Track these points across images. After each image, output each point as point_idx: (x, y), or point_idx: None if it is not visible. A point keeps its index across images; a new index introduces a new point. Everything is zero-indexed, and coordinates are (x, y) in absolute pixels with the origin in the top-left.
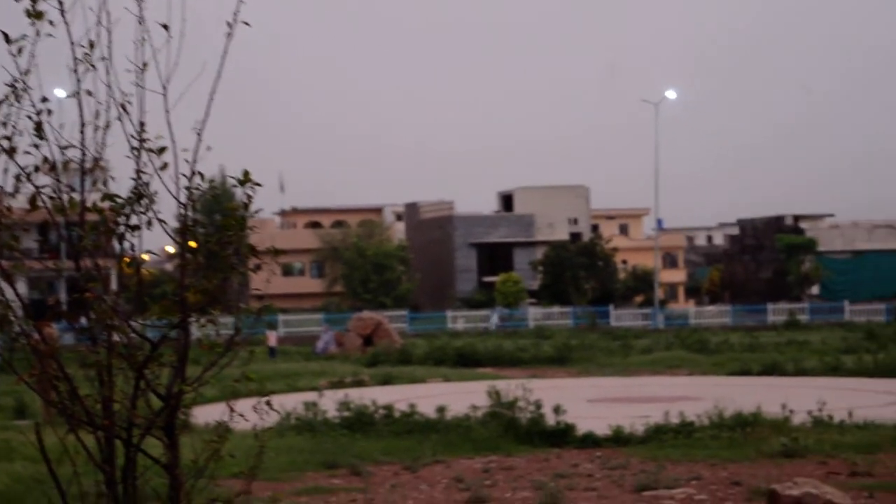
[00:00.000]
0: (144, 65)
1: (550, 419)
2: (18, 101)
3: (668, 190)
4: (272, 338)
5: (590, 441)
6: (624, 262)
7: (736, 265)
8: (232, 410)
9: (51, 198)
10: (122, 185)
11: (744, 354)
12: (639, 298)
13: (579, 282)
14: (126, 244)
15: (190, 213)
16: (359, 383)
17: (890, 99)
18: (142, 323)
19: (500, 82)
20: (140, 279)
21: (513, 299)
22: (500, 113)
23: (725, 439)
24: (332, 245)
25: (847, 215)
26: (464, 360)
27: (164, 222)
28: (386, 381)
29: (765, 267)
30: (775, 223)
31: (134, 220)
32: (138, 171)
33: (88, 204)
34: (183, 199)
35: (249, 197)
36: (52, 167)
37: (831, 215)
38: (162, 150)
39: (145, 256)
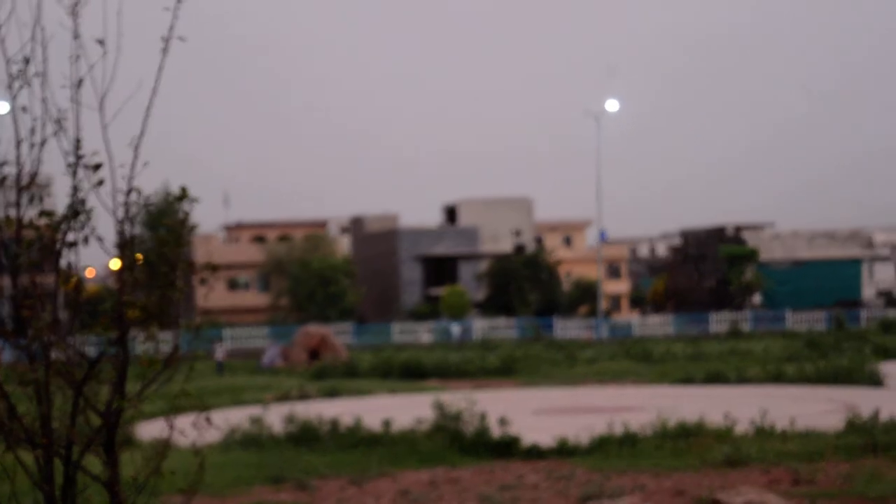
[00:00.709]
0: (80, 81)
1: (496, 431)
2: None
3: (611, 201)
4: (220, 352)
5: (535, 453)
6: (568, 273)
7: (679, 275)
8: (171, 426)
9: None
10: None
11: (687, 364)
12: (583, 309)
13: (524, 293)
14: (63, 261)
15: (128, 229)
16: (304, 397)
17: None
18: (81, 339)
19: (445, 94)
20: (78, 296)
21: (458, 311)
22: (444, 125)
23: (669, 449)
24: (277, 259)
25: (787, 225)
26: (409, 372)
27: (101, 239)
28: (331, 394)
29: (707, 277)
30: (717, 233)
31: (71, 236)
32: (74, 188)
33: (25, 221)
34: (120, 214)
35: (186, 213)
36: None
37: (772, 224)
38: (97, 166)
39: (90, 272)
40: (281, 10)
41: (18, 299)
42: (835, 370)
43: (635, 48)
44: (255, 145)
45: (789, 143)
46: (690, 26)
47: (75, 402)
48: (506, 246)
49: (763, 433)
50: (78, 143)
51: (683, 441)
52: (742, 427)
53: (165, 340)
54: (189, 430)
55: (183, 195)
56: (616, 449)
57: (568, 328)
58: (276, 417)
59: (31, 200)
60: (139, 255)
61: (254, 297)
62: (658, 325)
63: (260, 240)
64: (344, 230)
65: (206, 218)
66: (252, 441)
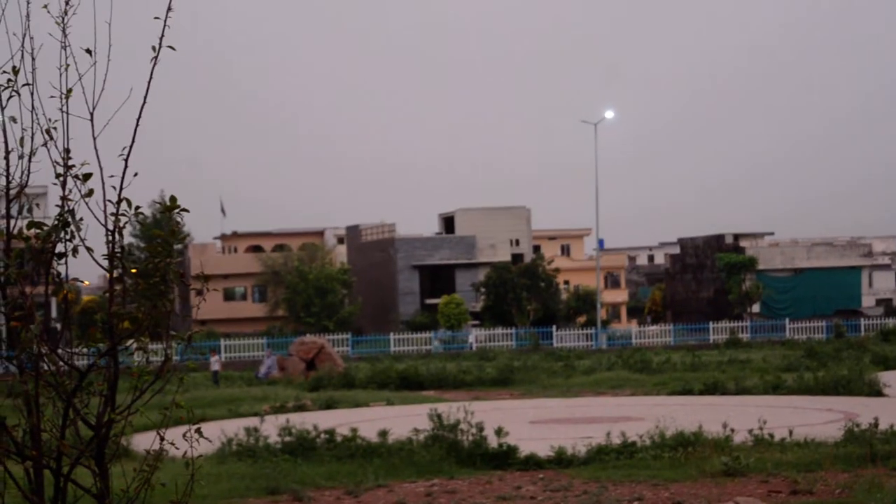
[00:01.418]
0: (69, 90)
1: (493, 441)
2: None
3: (609, 210)
4: (216, 363)
5: (532, 463)
6: (566, 282)
7: (677, 284)
8: (162, 438)
9: None
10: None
11: (686, 374)
12: (581, 319)
13: (522, 303)
14: (53, 271)
15: (118, 240)
16: (301, 408)
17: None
18: (70, 351)
19: (442, 104)
20: (67, 307)
21: (455, 321)
22: (441, 134)
23: (667, 459)
24: (273, 269)
25: (786, 233)
26: (407, 383)
27: (91, 249)
28: (328, 405)
29: (706, 286)
30: (716, 242)
31: (60, 247)
32: (63, 198)
33: (15, 231)
34: (111, 225)
35: (177, 223)
36: None
37: (771, 233)
38: (87, 176)
39: (86, 283)
40: (277, 18)
41: (8, 311)
42: (834, 380)
43: (638, 59)
44: (251, 155)
45: (788, 158)
46: (696, 40)
47: (65, 414)
48: (504, 255)
49: (761, 443)
50: (67, 153)
51: (682, 451)
52: (740, 437)
53: (155, 351)
54: (181, 441)
55: (173, 205)
56: (614, 459)
57: (566, 338)
58: (272, 428)
59: (20, 211)
60: (133, 270)
61: (250, 307)
62: (656, 334)
63: (256, 249)
64: (340, 240)
65: (203, 227)
66: (248, 452)
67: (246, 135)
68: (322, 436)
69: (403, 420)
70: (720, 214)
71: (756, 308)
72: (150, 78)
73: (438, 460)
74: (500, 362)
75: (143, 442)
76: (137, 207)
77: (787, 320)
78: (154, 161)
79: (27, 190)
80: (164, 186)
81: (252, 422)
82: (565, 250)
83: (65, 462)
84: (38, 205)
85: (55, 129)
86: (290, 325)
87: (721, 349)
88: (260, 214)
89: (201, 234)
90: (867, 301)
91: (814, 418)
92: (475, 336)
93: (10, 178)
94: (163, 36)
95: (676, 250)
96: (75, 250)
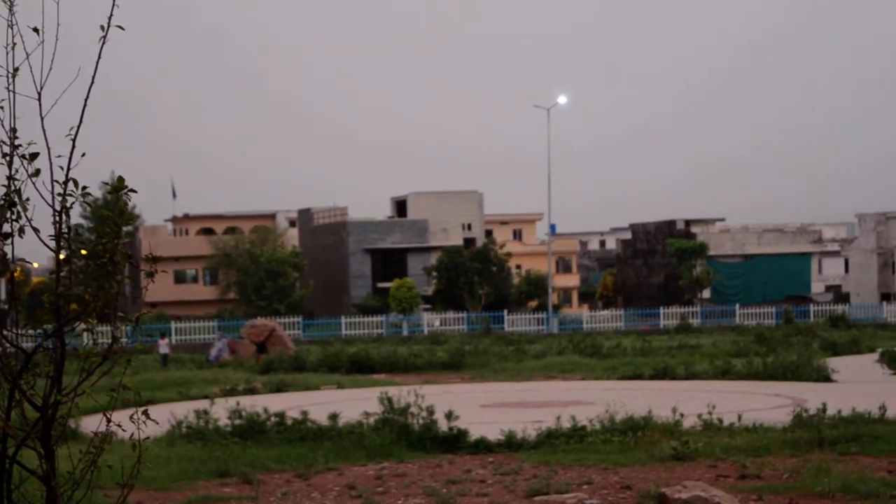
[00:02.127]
0: (16, 69)
1: (443, 425)
2: None
3: (561, 196)
4: (164, 346)
5: (482, 447)
6: (518, 267)
7: (629, 270)
8: (109, 421)
9: None
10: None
11: (636, 359)
12: (533, 303)
13: (473, 287)
14: None
15: (65, 221)
16: (251, 391)
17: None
18: (17, 332)
19: (395, 87)
20: (13, 287)
21: (407, 305)
22: (395, 118)
23: (617, 444)
24: (225, 252)
25: (737, 219)
26: (358, 366)
27: (37, 230)
28: (279, 388)
29: (657, 271)
30: (667, 227)
31: (6, 227)
32: (10, 178)
33: None
34: (58, 206)
35: (125, 204)
36: None
37: (722, 219)
38: (34, 156)
39: (36, 264)
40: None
41: None
42: (783, 365)
43: (590, 43)
44: (202, 137)
45: (742, 149)
46: (646, 22)
47: (11, 395)
48: (456, 239)
49: (711, 428)
50: (14, 133)
51: (631, 436)
52: (690, 422)
53: (102, 333)
54: (130, 424)
55: (120, 185)
56: (563, 443)
57: (517, 322)
58: (222, 411)
59: None
60: (84, 251)
61: (201, 290)
62: (607, 319)
63: (208, 232)
64: (292, 223)
65: (154, 210)
66: (197, 435)
67: (197, 117)
68: (272, 419)
69: (354, 403)
70: (673, 202)
71: (706, 294)
72: (99, 58)
73: (388, 444)
74: (452, 346)
75: (91, 424)
76: (84, 188)
77: (737, 306)
78: (105, 143)
79: None
80: (115, 169)
81: (202, 405)
82: (517, 235)
83: (10, 443)
84: None
85: (2, 108)
86: (242, 308)
87: (671, 334)
88: (212, 197)
89: (153, 217)
90: (817, 287)
91: (762, 403)
92: (428, 319)
93: None
94: (112, 15)
95: (628, 236)
96: (21, 230)
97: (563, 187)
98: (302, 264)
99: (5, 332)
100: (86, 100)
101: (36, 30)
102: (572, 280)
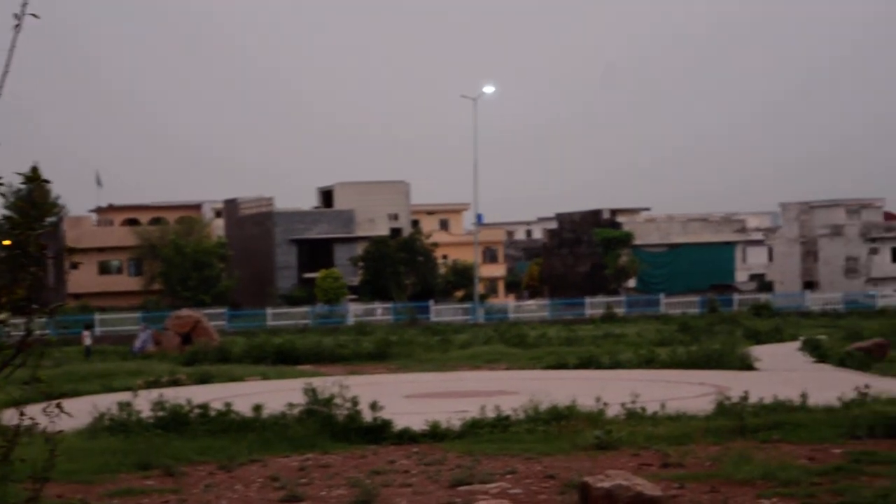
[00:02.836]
0: None
1: (368, 416)
2: None
3: (488, 185)
4: (87, 337)
5: (407, 437)
6: (444, 257)
7: (555, 259)
8: (22, 414)
9: None
10: None
11: (561, 348)
12: (459, 293)
13: (400, 277)
14: None
15: None
16: (175, 382)
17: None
18: None
19: (322, 76)
20: None
21: (333, 295)
22: (321, 107)
23: (541, 433)
24: (150, 242)
25: (663, 209)
26: (283, 357)
27: None
28: (203, 379)
29: (583, 260)
30: (593, 217)
31: None
32: None
33: None
34: None
35: (38, 194)
36: None
37: (647, 209)
38: None
39: None
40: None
41: None
42: (706, 354)
43: (520, 33)
44: (128, 127)
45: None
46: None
47: None
48: (382, 229)
49: (634, 417)
50: None
51: (555, 425)
52: (614, 411)
53: (17, 325)
54: (43, 416)
55: (34, 176)
56: (488, 433)
57: (443, 312)
58: (145, 403)
59: None
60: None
61: (126, 281)
62: (533, 309)
63: (133, 222)
64: (218, 213)
65: (78, 200)
66: (120, 427)
67: (120, 107)
68: (195, 410)
69: (279, 394)
70: (600, 192)
71: (632, 283)
72: (12, 47)
73: (313, 434)
74: (378, 336)
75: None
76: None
77: (661, 295)
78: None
79: None
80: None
81: (125, 396)
82: (444, 225)
83: None
84: None
85: None
86: (167, 299)
87: (597, 323)
88: (137, 188)
89: (77, 208)
90: (741, 276)
91: (686, 392)
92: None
93: None
94: (25, 3)
95: (554, 226)
96: None
97: (491, 177)
98: (228, 255)
99: None
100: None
101: None
102: (499, 270)
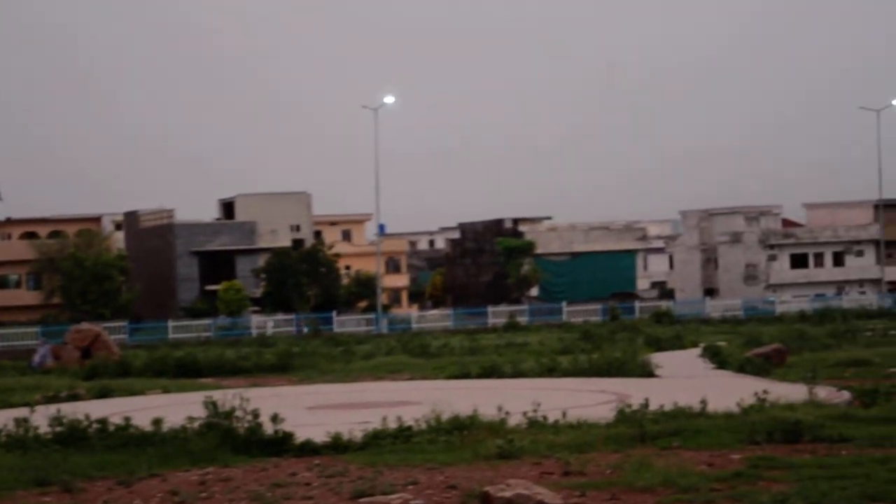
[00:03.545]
0: None
1: (269, 428)
2: None
3: (389, 195)
4: None
5: (308, 449)
6: (347, 267)
7: (457, 269)
8: None
9: None
10: None
11: (464, 357)
12: (362, 304)
13: (302, 288)
14: None
15: None
16: (74, 397)
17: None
18: None
19: (222, 88)
20: None
21: (235, 307)
22: (223, 117)
23: (443, 443)
24: (49, 256)
25: (564, 218)
26: (184, 370)
27: None
28: (103, 394)
29: (485, 270)
30: (495, 226)
31: None
32: None
33: None
34: None
35: None
36: None
37: (549, 218)
38: None
39: None
40: None
41: None
42: (608, 362)
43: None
44: (27, 138)
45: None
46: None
47: None
48: (284, 241)
49: (536, 426)
50: None
51: (457, 435)
52: (515, 420)
53: None
54: None
55: None
56: (390, 444)
57: (346, 323)
58: (43, 418)
59: None
60: None
61: (25, 295)
62: (436, 318)
63: (31, 236)
64: (118, 226)
65: None
66: (17, 443)
67: (19, 117)
68: (94, 425)
69: (180, 408)
70: (502, 201)
71: (534, 292)
72: None
73: (213, 448)
74: (280, 348)
75: None
76: None
77: (564, 304)
78: None
79: None
80: None
81: (23, 412)
82: (346, 236)
83: None
84: None
85: None
86: (67, 313)
87: (499, 333)
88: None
89: None
90: (642, 284)
91: (587, 400)
92: (263, 322)
93: None
94: None
95: (457, 235)
96: None
97: (393, 188)
98: (128, 268)
99: None
100: None
101: None
102: (402, 280)
